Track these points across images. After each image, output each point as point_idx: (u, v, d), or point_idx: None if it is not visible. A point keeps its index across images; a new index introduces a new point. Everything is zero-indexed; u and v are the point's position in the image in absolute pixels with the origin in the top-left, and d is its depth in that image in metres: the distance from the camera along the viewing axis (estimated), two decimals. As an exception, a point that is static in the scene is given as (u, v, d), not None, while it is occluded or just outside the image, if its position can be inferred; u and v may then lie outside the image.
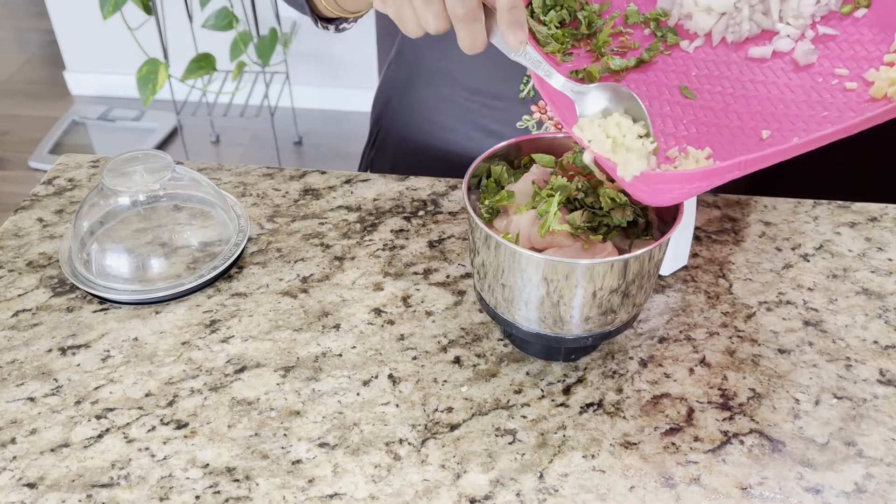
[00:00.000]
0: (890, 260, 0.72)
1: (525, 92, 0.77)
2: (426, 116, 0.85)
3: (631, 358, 0.63)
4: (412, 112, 0.87)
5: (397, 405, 0.59)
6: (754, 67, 0.58)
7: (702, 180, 0.48)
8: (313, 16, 0.74)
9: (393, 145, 0.91)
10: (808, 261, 0.72)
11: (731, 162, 0.46)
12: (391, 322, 0.66)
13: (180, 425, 0.58)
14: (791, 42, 0.57)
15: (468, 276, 0.70)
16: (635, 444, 0.56)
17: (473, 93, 0.80)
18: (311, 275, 0.70)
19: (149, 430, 0.57)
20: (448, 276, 0.70)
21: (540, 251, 0.54)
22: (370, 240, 0.74)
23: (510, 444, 0.56)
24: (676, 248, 0.68)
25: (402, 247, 0.73)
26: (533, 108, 0.78)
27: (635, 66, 0.60)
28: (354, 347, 0.63)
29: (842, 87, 0.54)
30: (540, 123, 0.79)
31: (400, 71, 0.88)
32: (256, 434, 0.57)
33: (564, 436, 0.57)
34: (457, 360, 0.62)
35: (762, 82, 0.56)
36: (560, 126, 0.78)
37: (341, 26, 0.77)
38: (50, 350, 0.63)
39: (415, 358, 0.63)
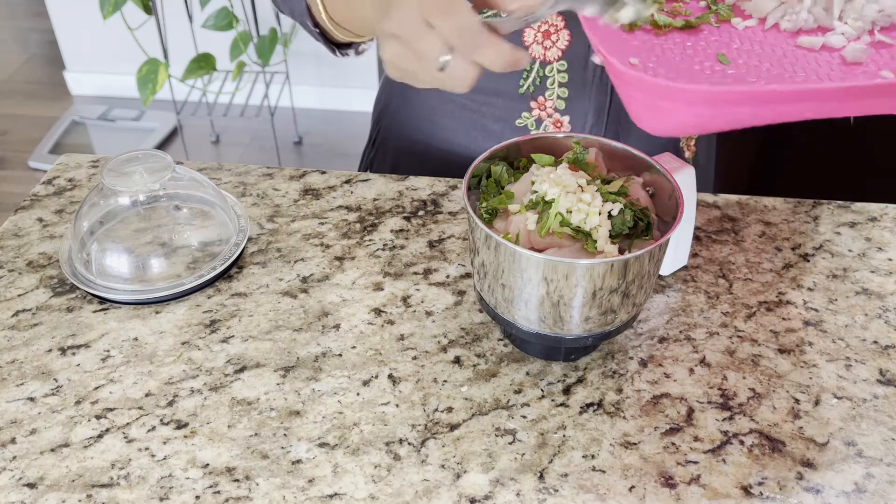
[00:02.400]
0: (890, 260, 0.72)
1: (525, 87, 0.77)
2: (426, 116, 0.86)
3: (631, 358, 0.63)
4: (412, 112, 0.87)
5: (397, 405, 0.59)
6: (798, 54, 0.55)
7: (703, 103, 0.45)
8: (329, 45, 0.74)
9: (393, 145, 0.91)
10: (808, 261, 0.72)
11: (736, 89, 0.44)
12: (391, 322, 0.66)
13: (180, 425, 0.58)
14: (844, 40, 0.56)
15: (468, 276, 0.70)
16: (635, 444, 0.56)
17: (473, 91, 0.80)
18: (311, 275, 0.70)
19: (149, 430, 0.57)
20: (448, 276, 0.70)
21: (540, 251, 0.54)
22: (370, 240, 0.74)
23: (510, 444, 0.56)
24: (676, 248, 0.68)
25: (402, 247, 0.73)
26: (532, 104, 0.78)
27: (680, 28, 0.59)
28: (354, 347, 0.63)
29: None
30: (539, 121, 0.79)
31: None
32: (256, 434, 0.57)
33: (564, 436, 0.57)
34: (457, 360, 0.62)
35: (802, 68, 0.54)
36: (559, 125, 0.78)
37: (360, 48, 0.77)
38: (50, 350, 0.63)
39: (415, 358, 0.63)
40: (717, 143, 0.87)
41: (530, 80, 0.77)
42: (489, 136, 0.82)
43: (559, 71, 0.76)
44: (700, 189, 0.88)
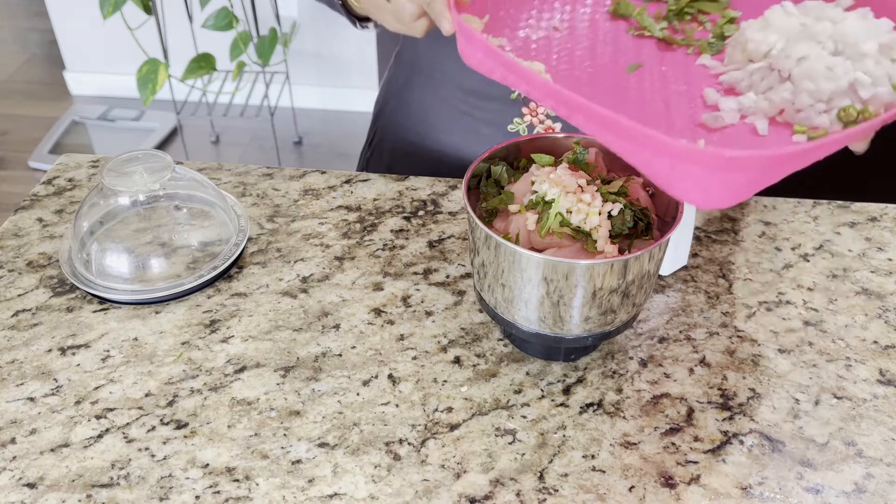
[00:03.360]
0: (890, 260, 0.72)
1: (516, 92, 0.77)
2: (422, 117, 0.86)
3: (631, 358, 0.63)
4: (408, 113, 0.88)
5: (397, 405, 0.59)
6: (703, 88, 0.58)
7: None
8: (351, 17, 0.75)
9: (389, 146, 0.91)
10: (808, 261, 0.72)
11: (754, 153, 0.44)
12: (391, 322, 0.66)
13: (180, 425, 0.58)
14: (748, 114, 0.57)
15: (468, 276, 0.70)
16: (635, 444, 0.56)
17: (467, 93, 0.81)
18: (311, 275, 0.70)
19: (149, 430, 0.57)
20: (448, 276, 0.70)
21: (540, 251, 0.54)
22: (370, 240, 0.74)
23: (510, 444, 0.56)
24: (676, 248, 0.68)
25: (402, 247, 0.73)
26: (524, 109, 0.79)
27: (653, 36, 0.61)
28: (354, 347, 0.63)
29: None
30: (531, 127, 0.79)
31: (398, 73, 0.89)
32: (256, 434, 0.57)
33: (564, 436, 0.57)
34: (457, 360, 0.62)
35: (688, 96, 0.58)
36: (551, 131, 0.78)
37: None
38: (50, 350, 0.63)
39: (415, 358, 0.63)
40: None
41: None
42: (481, 139, 0.82)
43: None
44: None
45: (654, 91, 0.58)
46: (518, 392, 0.60)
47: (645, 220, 0.56)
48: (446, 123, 0.84)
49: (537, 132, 0.79)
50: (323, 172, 0.83)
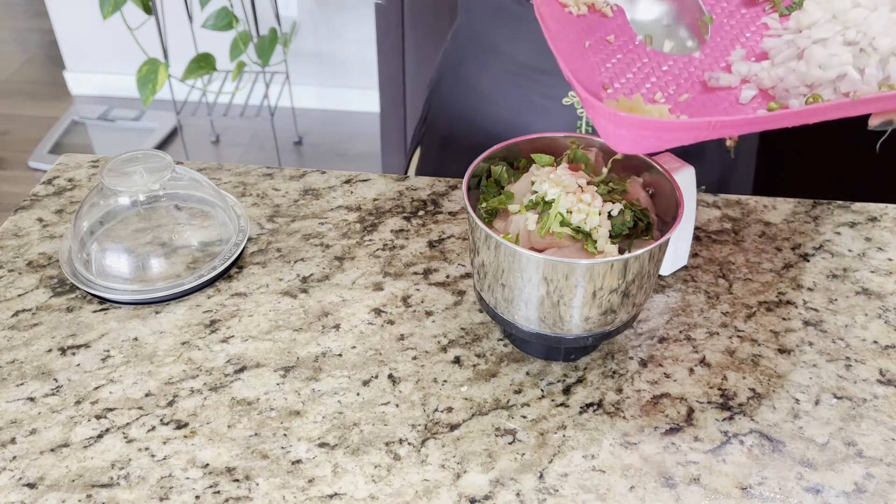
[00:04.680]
0: (890, 260, 0.72)
1: None
2: (476, 91, 0.87)
3: (631, 358, 0.63)
4: (464, 87, 0.89)
5: (397, 405, 0.59)
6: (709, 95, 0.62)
7: (667, 131, 0.51)
8: None
9: (442, 123, 0.93)
10: (808, 261, 0.72)
11: (701, 120, 0.50)
12: (391, 322, 0.66)
13: (180, 425, 0.58)
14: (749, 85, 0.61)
15: (468, 276, 0.70)
16: (635, 444, 0.56)
17: (522, 67, 0.82)
18: (311, 275, 0.70)
19: (149, 430, 0.57)
20: (448, 276, 0.70)
21: (540, 251, 0.54)
22: (370, 240, 0.74)
23: (510, 444, 0.56)
24: (676, 248, 0.68)
25: (402, 247, 0.73)
26: None
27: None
28: (354, 347, 0.63)
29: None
30: None
31: (454, 49, 0.91)
32: (256, 434, 0.57)
33: (564, 436, 0.57)
34: (457, 360, 0.62)
35: (715, 105, 0.61)
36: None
37: None
38: (50, 350, 0.63)
39: (415, 358, 0.63)
40: (759, 137, 0.88)
41: None
42: (535, 110, 0.82)
43: None
44: (740, 183, 0.89)
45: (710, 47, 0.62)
46: (518, 392, 0.60)
47: (645, 220, 0.56)
48: (501, 96, 0.85)
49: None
50: (323, 172, 0.83)
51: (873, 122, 0.57)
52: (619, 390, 0.60)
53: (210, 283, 0.69)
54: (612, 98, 0.60)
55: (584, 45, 0.63)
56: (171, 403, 0.59)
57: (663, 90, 0.61)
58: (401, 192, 0.80)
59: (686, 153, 0.73)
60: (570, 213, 0.54)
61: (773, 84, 0.60)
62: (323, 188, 0.80)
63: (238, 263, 0.71)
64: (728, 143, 0.83)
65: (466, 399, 0.59)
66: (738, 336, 0.64)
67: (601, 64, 0.62)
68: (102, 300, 0.67)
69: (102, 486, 0.54)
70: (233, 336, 0.64)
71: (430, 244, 0.73)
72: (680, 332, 0.65)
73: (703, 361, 0.62)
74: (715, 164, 0.84)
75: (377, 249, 0.73)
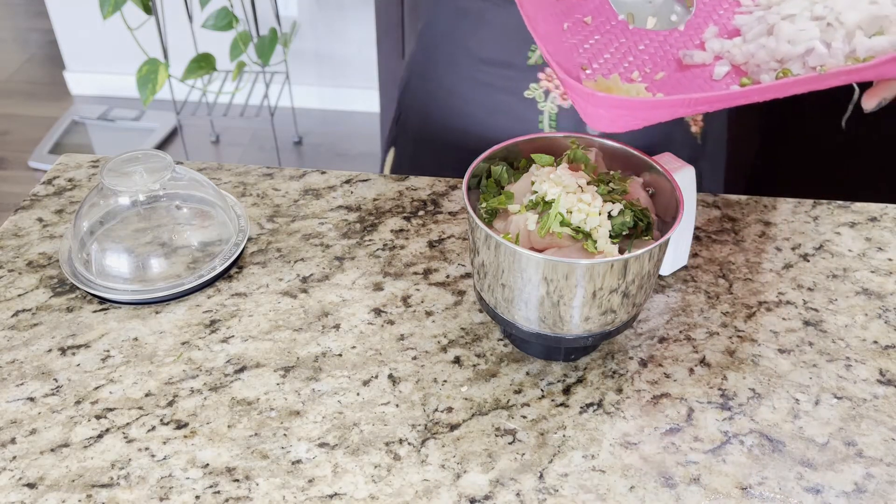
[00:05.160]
0: (890, 260, 0.72)
1: (533, 58, 0.80)
2: (444, 91, 0.88)
3: (631, 358, 0.63)
4: (431, 88, 0.90)
5: (397, 405, 0.59)
6: (684, 73, 0.64)
7: (643, 110, 0.53)
8: None
9: (414, 120, 0.94)
10: (808, 261, 0.72)
11: (677, 97, 0.52)
12: (391, 322, 0.66)
13: (180, 425, 0.58)
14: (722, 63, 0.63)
15: (468, 276, 0.70)
16: (635, 444, 0.56)
17: (484, 63, 0.83)
18: (311, 275, 0.70)
19: (149, 430, 0.57)
20: (448, 276, 0.70)
21: (540, 251, 0.54)
22: (370, 240, 0.74)
23: (510, 444, 0.56)
24: (676, 248, 0.68)
25: (402, 247, 0.73)
26: (540, 75, 0.80)
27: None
28: (354, 347, 0.63)
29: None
30: (547, 92, 0.81)
31: (420, 50, 0.92)
32: (256, 434, 0.57)
33: (564, 436, 0.57)
34: (457, 360, 0.62)
35: (691, 82, 0.64)
36: (566, 97, 0.80)
37: None
38: (50, 350, 0.63)
39: (415, 358, 0.63)
40: (727, 123, 0.88)
41: (538, 52, 0.80)
42: (498, 105, 0.84)
43: None
44: (711, 171, 0.89)
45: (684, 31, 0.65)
46: (518, 392, 0.60)
47: (645, 220, 0.56)
48: (466, 94, 0.86)
49: (552, 97, 0.81)
50: (323, 172, 0.83)
51: (867, 104, 0.58)
52: (619, 390, 0.60)
53: (210, 283, 0.69)
54: (591, 79, 0.61)
55: (562, 27, 0.64)
56: (171, 403, 0.59)
57: (640, 69, 0.62)
58: (401, 192, 0.80)
59: (653, 142, 0.74)
60: (570, 213, 0.54)
61: (745, 60, 0.62)
62: (323, 188, 0.80)
63: (238, 263, 0.71)
64: (693, 129, 0.83)
65: (466, 399, 0.59)
66: (738, 336, 0.64)
67: (579, 45, 0.63)
68: (102, 300, 0.67)
69: (102, 486, 0.54)
70: (233, 336, 0.64)
71: (430, 244, 0.73)
72: (680, 332, 0.65)
73: (703, 361, 0.62)
74: (683, 151, 0.84)
75: (377, 249, 0.73)
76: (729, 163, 0.96)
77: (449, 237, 0.74)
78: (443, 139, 0.89)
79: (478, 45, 0.83)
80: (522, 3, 0.58)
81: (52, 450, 0.56)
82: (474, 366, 0.62)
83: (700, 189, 0.84)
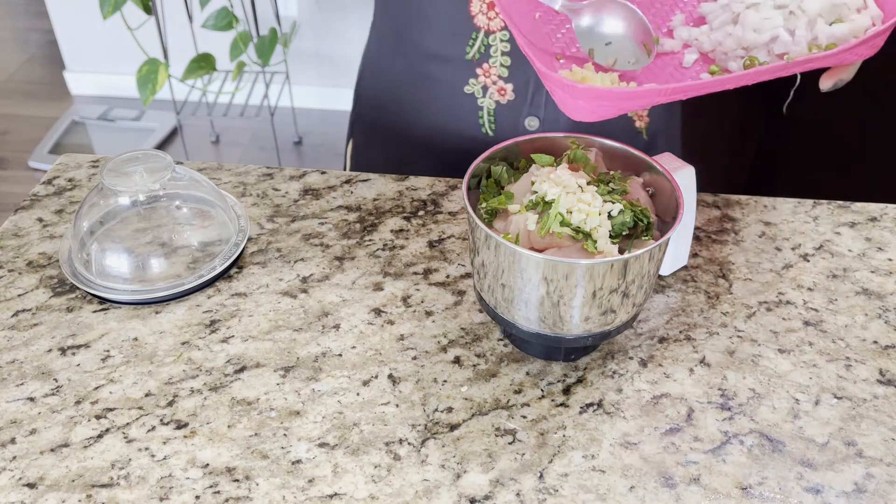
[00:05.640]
0: (890, 260, 0.72)
1: (471, 54, 0.80)
2: (393, 84, 0.89)
3: (631, 358, 0.63)
4: (382, 81, 0.91)
5: (397, 405, 0.59)
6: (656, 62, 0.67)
7: (621, 100, 0.55)
8: None
9: (367, 112, 0.95)
10: (808, 261, 0.72)
11: (653, 87, 0.54)
12: (391, 322, 0.66)
13: (180, 425, 0.58)
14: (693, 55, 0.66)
15: (468, 276, 0.70)
16: (635, 444, 0.56)
17: (428, 57, 0.84)
18: (311, 275, 0.70)
19: (149, 430, 0.57)
20: (448, 276, 0.70)
21: (540, 251, 0.54)
22: (370, 240, 0.74)
23: (510, 444, 0.56)
24: (676, 248, 0.68)
25: (402, 247, 0.73)
26: (478, 70, 0.81)
27: None
28: (354, 347, 0.63)
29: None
30: (485, 88, 0.81)
31: (372, 42, 0.93)
32: (256, 434, 0.57)
33: (564, 436, 0.57)
34: (457, 360, 0.62)
35: (661, 70, 0.66)
36: (503, 92, 0.81)
37: None
38: (50, 350, 0.63)
39: (415, 358, 0.63)
40: (680, 116, 0.87)
41: (475, 47, 0.80)
42: (441, 99, 0.85)
43: (502, 40, 0.79)
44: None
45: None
46: (518, 392, 0.60)
47: (645, 220, 0.56)
48: (411, 87, 0.87)
49: (490, 93, 0.82)
50: (323, 172, 0.83)
51: (824, 84, 0.61)
52: (619, 390, 0.60)
53: (210, 283, 0.69)
54: (565, 67, 0.62)
55: (534, 17, 0.65)
56: (171, 403, 0.59)
57: (608, 62, 0.63)
58: (401, 192, 0.80)
59: (592, 132, 0.74)
60: (570, 213, 0.54)
61: (713, 48, 0.65)
62: (323, 188, 0.80)
63: (238, 263, 0.71)
64: (637, 123, 0.83)
65: (466, 399, 0.59)
66: (738, 336, 0.64)
67: (552, 34, 0.64)
68: (102, 300, 0.67)
69: (102, 486, 0.54)
70: (233, 336, 0.64)
71: (430, 244, 0.73)
72: (680, 332, 0.65)
73: (703, 361, 0.62)
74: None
75: (377, 249, 0.73)
76: (713, 163, 0.95)
77: (449, 237, 0.74)
78: (391, 132, 0.90)
79: (420, 39, 0.84)
80: None
81: (52, 450, 0.56)
82: (474, 366, 0.62)
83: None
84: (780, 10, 0.61)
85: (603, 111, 0.55)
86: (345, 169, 1.01)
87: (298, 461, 0.55)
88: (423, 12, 0.82)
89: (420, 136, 0.87)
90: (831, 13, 0.60)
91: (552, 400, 0.59)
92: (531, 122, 0.82)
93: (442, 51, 0.82)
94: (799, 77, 0.64)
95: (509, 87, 0.81)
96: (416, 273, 0.70)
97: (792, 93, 0.67)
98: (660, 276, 0.70)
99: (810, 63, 0.57)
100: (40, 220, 0.76)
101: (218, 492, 0.53)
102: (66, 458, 0.55)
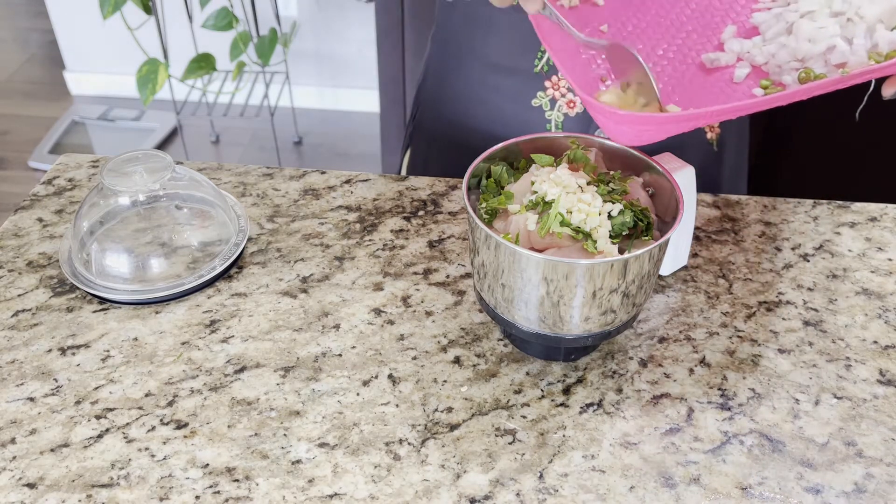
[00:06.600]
0: (890, 260, 0.72)
1: (539, 66, 0.80)
2: (456, 94, 0.88)
3: (631, 358, 0.63)
4: (444, 91, 0.90)
5: (397, 405, 0.59)
6: (700, 80, 0.63)
7: (670, 124, 0.53)
8: None
9: (429, 120, 0.94)
10: (808, 261, 0.72)
11: (697, 111, 0.51)
12: (391, 322, 0.66)
13: (180, 425, 0.58)
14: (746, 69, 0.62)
15: (468, 276, 0.70)
16: (635, 444, 0.56)
17: (494, 69, 0.83)
18: (311, 275, 0.70)
19: (149, 430, 0.57)
20: (448, 276, 0.70)
21: (540, 251, 0.54)
22: (370, 240, 0.74)
23: (510, 444, 0.56)
24: (676, 248, 0.68)
25: (402, 247, 0.73)
26: (546, 83, 0.80)
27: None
28: (354, 347, 0.63)
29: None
30: (553, 101, 0.81)
31: (434, 52, 0.92)
32: (256, 434, 0.57)
33: (564, 436, 0.57)
34: (457, 360, 0.62)
35: (707, 90, 0.62)
36: (572, 105, 0.80)
37: None
38: (50, 350, 0.63)
39: (415, 358, 0.63)
40: (749, 130, 0.88)
41: (544, 59, 0.79)
42: (506, 112, 0.84)
43: None
44: (731, 181, 0.90)
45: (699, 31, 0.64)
46: (518, 392, 0.60)
47: (645, 220, 0.56)
48: (476, 97, 0.86)
49: (559, 105, 0.81)
50: (323, 172, 0.83)
51: (887, 92, 0.57)
52: (619, 390, 0.60)
53: (210, 283, 0.69)
54: (610, 89, 0.60)
55: (574, 42, 0.63)
56: (171, 403, 0.59)
57: (659, 76, 0.61)
58: (401, 192, 0.80)
59: (665, 147, 0.74)
60: (570, 213, 0.54)
61: (766, 60, 0.60)
62: (323, 188, 0.80)
63: (238, 263, 0.71)
64: (708, 135, 0.83)
65: (466, 399, 0.59)
66: (738, 336, 0.64)
67: (597, 56, 0.62)
68: (102, 300, 0.67)
69: (102, 486, 0.54)
70: (233, 336, 0.64)
71: (430, 244, 0.73)
72: (680, 332, 0.65)
73: (703, 361, 0.62)
74: (696, 157, 0.84)
75: (377, 249, 0.73)
76: (756, 176, 0.95)
77: (449, 237, 0.74)
78: (452, 141, 0.89)
79: (486, 50, 0.83)
80: (537, 18, 0.58)
81: (52, 450, 0.56)
82: (474, 366, 0.62)
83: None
84: (837, 18, 0.57)
85: (648, 136, 0.54)
86: (399, 172, 1.00)
87: (298, 461, 0.55)
88: (491, 25, 0.81)
89: (483, 149, 0.86)
90: (892, 18, 0.56)
91: (552, 400, 0.59)
92: (599, 135, 0.82)
93: (509, 62, 0.82)
94: (873, 82, 0.59)
95: (578, 99, 0.80)
96: (416, 273, 0.70)
97: (866, 98, 0.63)
98: (660, 276, 0.70)
99: (869, 74, 0.53)
100: (40, 220, 0.76)
101: (218, 492, 0.53)
102: (66, 458, 0.55)
